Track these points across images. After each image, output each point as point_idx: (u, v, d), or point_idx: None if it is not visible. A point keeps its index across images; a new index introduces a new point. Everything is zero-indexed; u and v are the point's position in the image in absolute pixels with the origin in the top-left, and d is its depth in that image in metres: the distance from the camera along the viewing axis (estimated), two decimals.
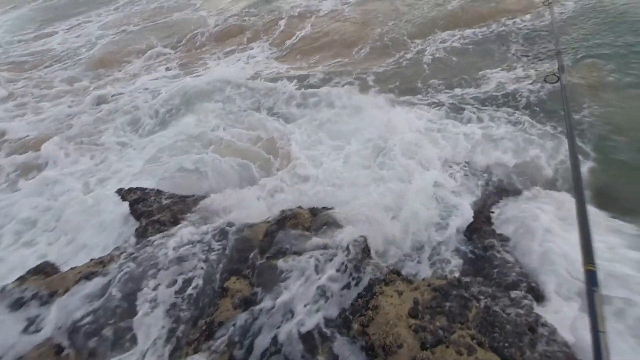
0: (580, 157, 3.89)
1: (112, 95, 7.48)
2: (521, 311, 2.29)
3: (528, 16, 7.61)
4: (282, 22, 9.86)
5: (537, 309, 2.36)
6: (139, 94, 7.37)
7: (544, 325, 2.21)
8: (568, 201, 3.67)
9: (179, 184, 4.67)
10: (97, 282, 2.97)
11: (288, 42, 8.85)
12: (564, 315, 2.45)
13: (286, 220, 3.24)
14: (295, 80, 6.96)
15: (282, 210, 3.40)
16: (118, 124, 6.50)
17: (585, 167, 4.11)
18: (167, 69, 8.50)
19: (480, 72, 6.22)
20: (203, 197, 3.72)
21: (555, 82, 2.97)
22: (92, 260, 3.21)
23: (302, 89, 6.63)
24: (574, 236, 3.13)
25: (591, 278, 1.39)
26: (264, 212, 3.55)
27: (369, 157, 4.88)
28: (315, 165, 4.88)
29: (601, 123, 4.66)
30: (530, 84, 5.64)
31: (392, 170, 4.56)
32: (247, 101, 6.63)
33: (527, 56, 6.42)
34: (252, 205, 3.62)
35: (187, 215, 3.50)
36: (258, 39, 9.29)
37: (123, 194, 4.09)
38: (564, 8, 7.61)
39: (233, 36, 9.67)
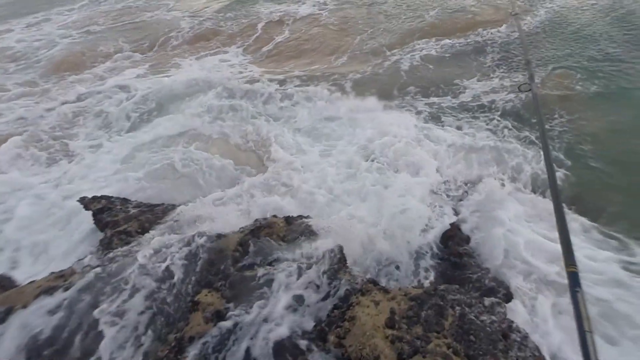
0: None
1: (80, 96, 7.28)
2: (495, 318, 2.39)
3: (504, 27, 8.02)
4: (259, 26, 9.92)
5: (510, 312, 2.48)
6: (111, 96, 7.23)
7: (517, 330, 2.32)
8: (540, 202, 4.01)
9: (160, 184, 4.67)
10: (57, 298, 2.86)
11: (265, 48, 8.90)
12: (532, 316, 2.63)
13: (260, 229, 3.23)
14: (274, 83, 7.05)
15: (256, 220, 3.40)
16: (89, 125, 6.36)
17: (557, 172, 4.39)
18: (139, 71, 8.34)
19: (457, 81, 6.48)
20: (173, 206, 3.67)
21: (528, 91, 3.16)
22: (52, 273, 3.09)
23: (282, 92, 6.74)
24: (540, 232, 3.50)
25: (574, 279, 1.44)
26: (237, 221, 3.53)
27: (351, 161, 5.02)
28: (298, 169, 4.96)
29: (571, 131, 4.99)
30: (506, 93, 5.94)
31: (374, 176, 4.70)
32: (226, 102, 6.66)
33: (502, 66, 6.75)
34: (225, 214, 3.60)
35: (156, 226, 3.44)
36: (234, 43, 9.29)
37: (86, 203, 3.96)
38: (535, 20, 8.08)
39: (208, 40, 9.62)
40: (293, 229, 3.39)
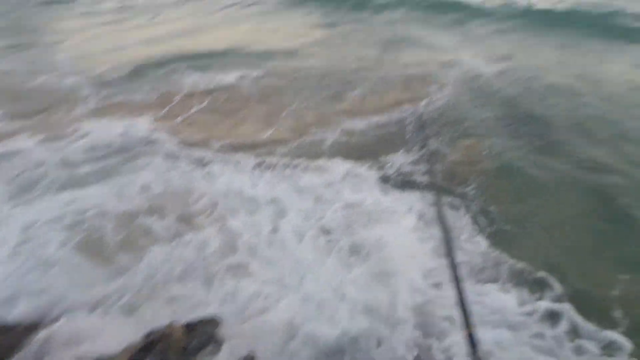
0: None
1: None
2: None
3: (424, 102, 8.97)
4: (177, 98, 9.81)
5: None
6: None
7: None
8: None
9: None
10: None
11: (180, 118, 8.81)
12: None
13: (153, 344, 2.84)
14: (195, 150, 7.10)
15: (148, 334, 2.96)
16: None
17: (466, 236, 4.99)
18: (29, 140, 7.55)
19: (381, 156, 6.94)
20: (37, 325, 3.11)
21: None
22: None
23: (204, 161, 6.78)
24: None
25: (472, 340, 1.78)
26: (127, 334, 3.07)
27: (300, 234, 4.93)
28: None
29: (480, 196, 5.67)
30: (429, 166, 6.50)
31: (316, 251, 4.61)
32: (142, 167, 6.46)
33: (421, 139, 7.44)
34: (109, 329, 3.13)
35: (15, 354, 2.84)
36: (146, 114, 9.03)
37: None
38: (443, 93, 9.24)
39: (117, 110, 9.15)
40: (195, 336, 3.04)
